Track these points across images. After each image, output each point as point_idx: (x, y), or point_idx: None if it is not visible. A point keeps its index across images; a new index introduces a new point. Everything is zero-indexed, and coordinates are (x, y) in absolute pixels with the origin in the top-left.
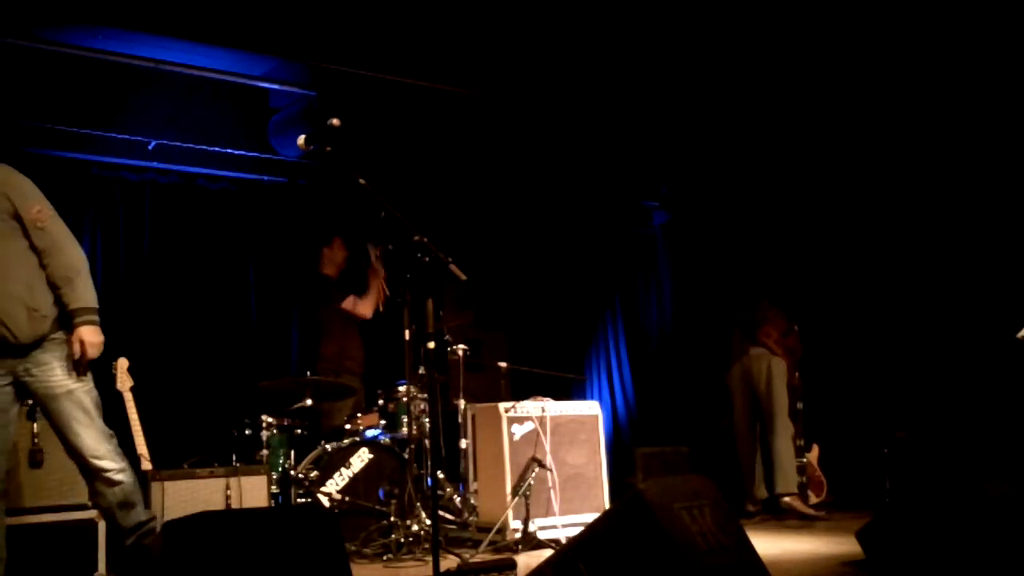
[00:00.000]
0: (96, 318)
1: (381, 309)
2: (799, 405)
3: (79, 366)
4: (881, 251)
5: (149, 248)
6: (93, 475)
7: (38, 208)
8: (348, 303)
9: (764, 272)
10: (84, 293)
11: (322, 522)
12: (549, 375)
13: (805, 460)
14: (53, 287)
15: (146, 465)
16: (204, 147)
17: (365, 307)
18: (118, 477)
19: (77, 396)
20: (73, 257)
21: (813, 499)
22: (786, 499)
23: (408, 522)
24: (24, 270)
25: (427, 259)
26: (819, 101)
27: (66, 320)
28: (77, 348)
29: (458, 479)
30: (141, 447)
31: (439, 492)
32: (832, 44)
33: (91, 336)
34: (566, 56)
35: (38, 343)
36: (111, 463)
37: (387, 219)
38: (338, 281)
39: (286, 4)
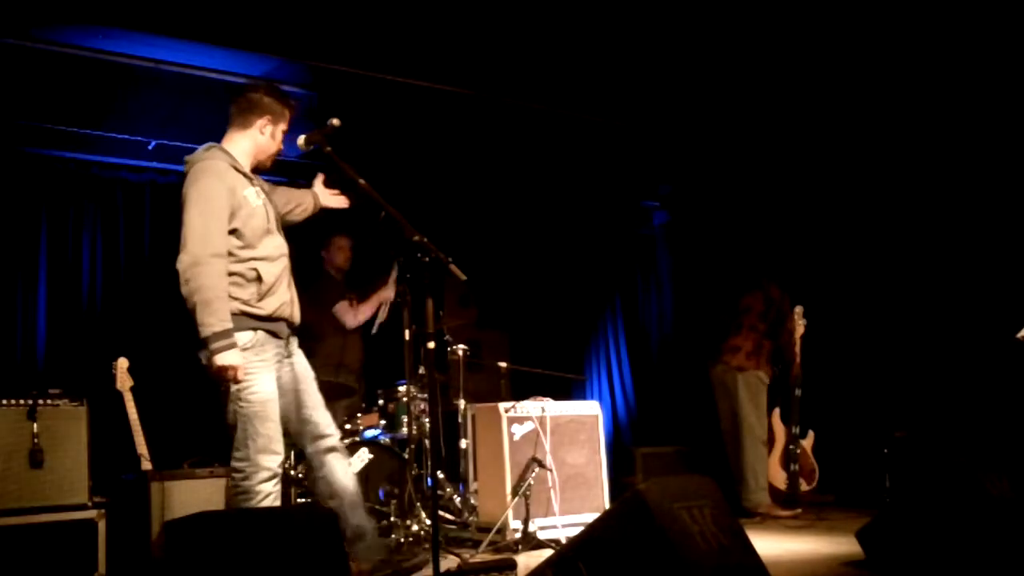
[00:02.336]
0: None
1: (373, 331)
2: (797, 392)
3: None
4: (881, 253)
5: (149, 248)
6: (326, 451)
7: None
8: (340, 308)
9: (763, 272)
10: None
11: (322, 522)
12: (549, 375)
13: (799, 449)
14: None
15: (146, 465)
16: None
17: (352, 317)
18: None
19: (315, 382)
20: None
21: (804, 486)
22: (758, 511)
23: (408, 522)
24: None
25: (427, 259)
26: (819, 102)
27: None
28: None
29: (458, 479)
30: (141, 447)
31: (439, 492)
32: (831, 43)
33: None
34: (566, 56)
35: (295, 331)
36: (337, 431)
37: (387, 219)
38: (343, 280)
39: (286, 4)
